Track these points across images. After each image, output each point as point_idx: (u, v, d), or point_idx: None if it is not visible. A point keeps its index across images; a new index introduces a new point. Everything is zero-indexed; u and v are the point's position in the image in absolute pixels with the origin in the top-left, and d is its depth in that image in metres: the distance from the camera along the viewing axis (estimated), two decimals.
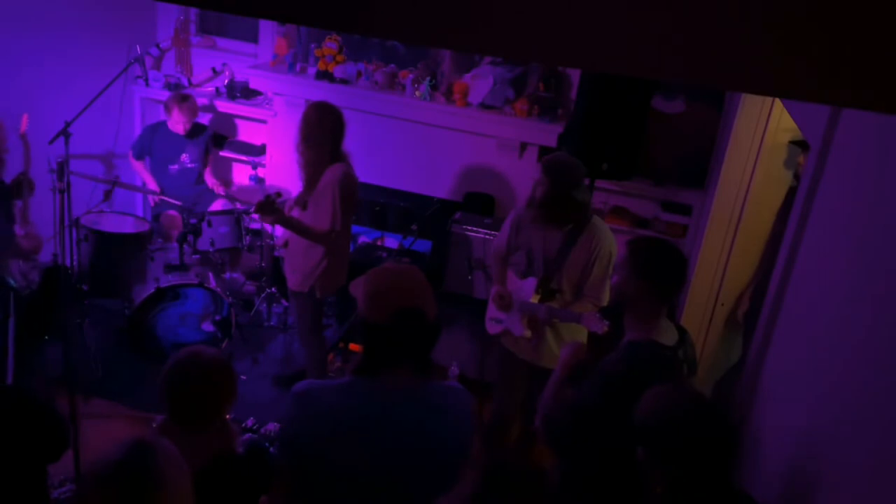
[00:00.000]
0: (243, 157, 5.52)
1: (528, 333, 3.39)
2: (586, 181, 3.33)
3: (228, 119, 5.63)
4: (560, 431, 2.45)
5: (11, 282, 3.57)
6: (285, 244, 3.94)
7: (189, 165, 5.00)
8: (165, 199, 4.83)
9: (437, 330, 1.94)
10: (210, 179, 5.12)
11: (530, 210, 3.26)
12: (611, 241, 3.28)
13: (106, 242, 4.33)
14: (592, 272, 3.25)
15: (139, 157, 5.05)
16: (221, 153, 5.45)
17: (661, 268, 2.36)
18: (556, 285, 3.32)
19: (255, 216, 3.82)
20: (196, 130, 5.00)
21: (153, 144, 4.98)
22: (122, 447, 1.60)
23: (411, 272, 2.00)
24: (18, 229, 3.74)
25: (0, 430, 2.18)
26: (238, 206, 4.76)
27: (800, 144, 3.86)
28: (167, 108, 4.88)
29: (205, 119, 5.50)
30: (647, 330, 2.37)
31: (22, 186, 3.74)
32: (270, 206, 3.57)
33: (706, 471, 1.83)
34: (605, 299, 3.25)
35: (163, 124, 4.98)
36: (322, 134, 3.62)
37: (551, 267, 3.31)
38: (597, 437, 2.42)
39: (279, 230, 4.23)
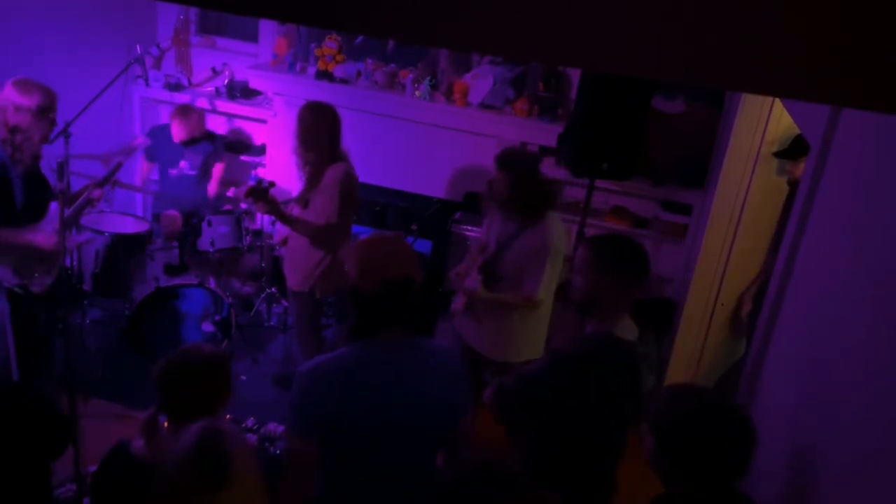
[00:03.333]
0: (243, 158, 5.52)
1: (463, 306, 3.45)
2: (543, 171, 3.48)
3: (229, 119, 5.63)
4: (508, 401, 2.48)
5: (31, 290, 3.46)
6: (284, 241, 3.93)
7: (188, 172, 4.98)
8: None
9: (425, 295, 2.10)
10: (212, 187, 5.08)
11: (492, 205, 3.43)
12: (559, 237, 3.35)
13: (106, 242, 4.34)
14: (528, 262, 3.32)
15: (149, 160, 5.07)
16: (225, 154, 5.41)
17: (627, 263, 2.38)
18: (500, 272, 3.41)
19: (246, 202, 3.82)
20: (197, 140, 4.98)
21: (157, 147, 4.99)
22: (191, 436, 1.67)
23: (398, 241, 2.18)
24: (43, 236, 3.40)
25: (4, 426, 2.19)
26: (241, 205, 4.75)
27: (782, 155, 3.86)
28: (172, 117, 4.90)
29: (216, 123, 5.50)
30: (608, 325, 2.40)
31: (76, 198, 3.53)
32: (262, 193, 3.59)
33: (713, 473, 1.83)
34: (540, 293, 3.32)
35: (166, 128, 4.97)
36: (319, 134, 3.63)
37: (498, 253, 3.42)
38: (544, 416, 2.43)
39: (279, 228, 4.22)
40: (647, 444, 1.91)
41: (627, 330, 2.43)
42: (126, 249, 4.39)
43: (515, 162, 3.34)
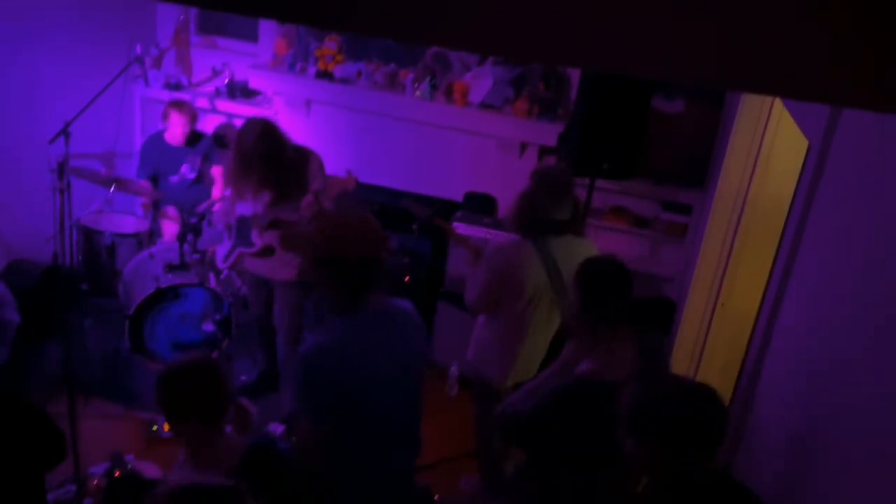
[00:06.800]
0: None
1: None
2: (579, 198, 3.21)
3: (229, 119, 5.62)
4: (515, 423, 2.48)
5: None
6: (272, 251, 3.89)
7: (189, 175, 4.96)
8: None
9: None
10: (217, 189, 5.05)
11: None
12: (506, 258, 3.10)
13: (106, 242, 4.33)
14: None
15: (145, 177, 4.92)
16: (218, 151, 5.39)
17: (596, 283, 2.34)
18: None
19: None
20: (194, 139, 4.94)
21: (156, 159, 4.89)
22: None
23: (358, 212, 2.36)
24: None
25: None
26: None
27: None
28: (165, 115, 4.81)
29: (209, 121, 5.48)
30: (596, 359, 2.33)
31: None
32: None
33: (692, 452, 1.81)
34: (467, 297, 3.19)
35: (159, 137, 4.88)
36: (270, 154, 3.64)
37: None
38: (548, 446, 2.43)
39: (255, 239, 4.09)
40: (627, 446, 1.88)
41: (619, 364, 2.30)
42: (122, 249, 4.39)
43: (535, 174, 3.13)
